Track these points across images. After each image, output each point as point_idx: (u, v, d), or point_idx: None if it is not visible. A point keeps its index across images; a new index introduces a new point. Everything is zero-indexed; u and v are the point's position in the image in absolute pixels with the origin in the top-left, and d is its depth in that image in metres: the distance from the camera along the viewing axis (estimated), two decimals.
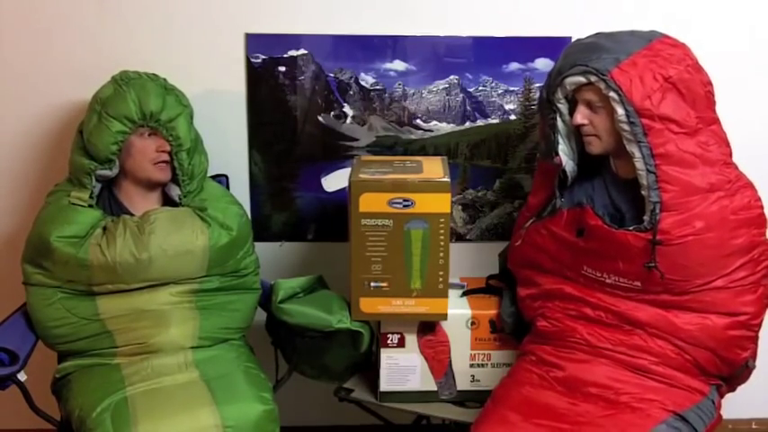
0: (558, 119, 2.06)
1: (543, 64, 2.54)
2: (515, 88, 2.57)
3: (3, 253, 2.61)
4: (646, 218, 1.95)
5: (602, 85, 1.93)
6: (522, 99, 2.58)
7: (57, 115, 2.51)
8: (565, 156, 2.08)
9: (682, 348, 1.99)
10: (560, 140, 2.07)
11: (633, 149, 1.94)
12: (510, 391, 2.06)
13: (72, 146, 2.22)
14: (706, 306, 1.99)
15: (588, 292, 2.07)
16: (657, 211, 1.92)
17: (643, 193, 1.96)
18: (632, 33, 2.04)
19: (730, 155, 2.03)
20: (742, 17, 2.53)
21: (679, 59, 1.97)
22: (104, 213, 2.19)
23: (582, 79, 1.97)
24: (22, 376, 2.07)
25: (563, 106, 2.05)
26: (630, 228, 1.97)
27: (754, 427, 2.88)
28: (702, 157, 1.95)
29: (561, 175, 2.10)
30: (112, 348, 2.16)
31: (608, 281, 2.03)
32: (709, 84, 2.00)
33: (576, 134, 2.08)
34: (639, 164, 1.94)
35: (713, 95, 2.01)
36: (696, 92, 1.96)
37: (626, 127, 1.93)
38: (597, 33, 2.07)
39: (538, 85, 2.55)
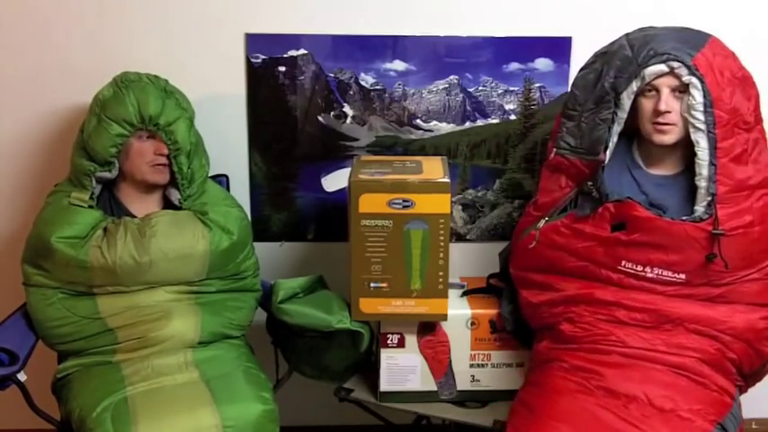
0: (617, 114, 2.04)
1: (543, 64, 2.54)
2: (515, 88, 2.57)
3: (3, 253, 2.61)
4: (699, 209, 1.97)
5: (684, 72, 1.95)
6: (522, 99, 2.58)
7: (57, 116, 2.51)
8: (608, 154, 2.06)
9: (722, 342, 1.99)
10: (612, 137, 2.05)
11: (699, 138, 1.95)
12: (549, 401, 1.99)
13: (73, 146, 2.22)
14: (740, 297, 2.00)
15: (622, 295, 2.03)
16: (714, 202, 1.95)
17: (700, 184, 1.97)
18: (684, 29, 2.06)
19: None
20: (742, 17, 2.53)
21: (736, 57, 2.02)
22: (105, 214, 2.19)
23: (664, 68, 1.97)
24: (22, 376, 2.07)
25: (629, 101, 2.03)
26: (684, 218, 1.98)
27: (754, 427, 2.88)
28: (753, 155, 1.99)
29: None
30: (113, 345, 2.15)
31: (649, 275, 2.01)
32: (756, 86, 2.05)
33: (625, 129, 2.07)
34: (703, 154, 1.96)
35: (759, 97, 2.06)
36: (752, 88, 2.02)
37: (699, 115, 1.95)
38: (647, 27, 2.07)
39: (538, 85, 2.55)
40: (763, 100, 2.59)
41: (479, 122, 2.61)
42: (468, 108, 2.59)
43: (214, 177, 2.40)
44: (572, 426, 1.91)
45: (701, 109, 1.94)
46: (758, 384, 2.17)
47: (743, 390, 2.09)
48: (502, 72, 2.55)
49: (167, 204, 2.27)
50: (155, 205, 2.26)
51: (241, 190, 2.56)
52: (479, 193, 2.67)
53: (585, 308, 2.07)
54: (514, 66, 2.55)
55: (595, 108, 2.06)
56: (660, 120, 2.00)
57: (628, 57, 2.01)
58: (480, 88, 2.57)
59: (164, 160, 2.18)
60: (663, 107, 1.98)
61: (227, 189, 2.47)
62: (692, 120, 1.96)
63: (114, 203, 2.25)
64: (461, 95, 2.58)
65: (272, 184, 2.63)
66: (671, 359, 1.99)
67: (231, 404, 2.03)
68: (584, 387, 1.99)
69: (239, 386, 2.10)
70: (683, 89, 1.97)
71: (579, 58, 2.45)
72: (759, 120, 2.04)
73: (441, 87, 2.57)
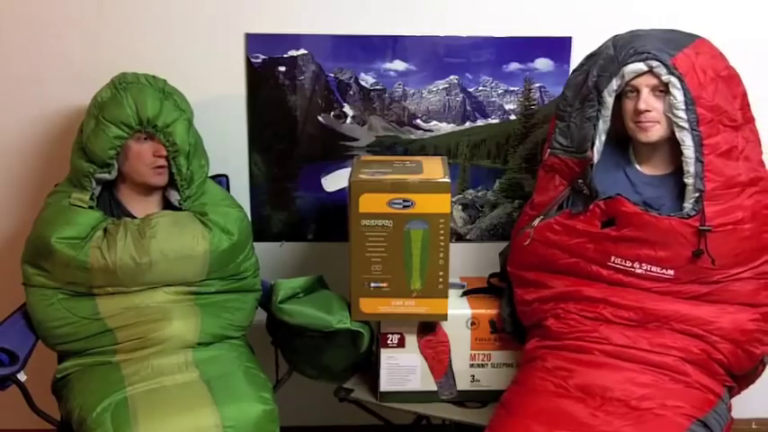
0: (602, 112, 2.06)
1: (543, 64, 2.54)
2: (515, 88, 2.57)
3: (3, 253, 2.61)
4: (687, 205, 1.98)
5: (662, 71, 1.96)
6: (522, 99, 2.58)
7: (56, 116, 2.51)
8: (596, 152, 2.08)
9: (708, 342, 1.99)
10: (599, 135, 2.07)
11: (684, 137, 1.97)
12: (525, 400, 2.01)
13: (73, 146, 2.22)
14: (731, 297, 2.00)
15: (610, 292, 2.05)
16: (702, 199, 1.96)
17: (688, 181, 1.98)
18: (673, 31, 2.08)
19: (762, 154, 2.07)
20: (741, 17, 2.53)
21: (723, 57, 2.03)
22: (105, 215, 2.19)
23: (643, 66, 1.99)
24: (22, 376, 2.07)
25: (611, 99, 2.05)
26: (672, 214, 1.99)
27: (754, 427, 2.88)
28: (743, 153, 2.00)
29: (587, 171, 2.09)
30: (113, 345, 2.15)
31: (638, 270, 2.02)
32: (743, 84, 2.06)
33: (612, 129, 2.09)
34: (689, 152, 1.97)
35: (747, 95, 2.07)
36: (739, 87, 2.03)
37: (682, 114, 1.96)
38: (636, 29, 2.09)
39: (538, 85, 2.55)
40: (761, 101, 2.62)
41: (479, 122, 2.61)
42: (468, 108, 2.59)
43: (214, 177, 2.40)
44: (545, 424, 1.92)
45: (683, 107, 1.96)
46: (757, 384, 2.17)
47: (734, 391, 2.08)
48: (502, 72, 2.55)
49: (167, 205, 2.27)
50: (155, 206, 2.26)
51: (241, 190, 2.56)
52: (479, 193, 2.68)
53: (573, 305, 2.09)
54: (514, 66, 2.55)
55: (581, 107, 2.09)
56: (641, 119, 2.03)
57: (610, 56, 2.05)
58: (480, 88, 2.57)
59: (163, 162, 2.18)
60: (642, 106, 2.01)
61: (227, 189, 2.47)
62: (674, 119, 1.98)
63: (114, 204, 2.25)
64: (461, 95, 2.58)
65: (273, 185, 2.63)
66: (653, 358, 1.99)
67: (231, 404, 2.03)
68: (561, 386, 2.00)
69: (239, 386, 2.10)
70: (663, 88, 1.99)
71: (579, 58, 2.44)
72: (749, 119, 2.05)
73: (441, 87, 2.57)
